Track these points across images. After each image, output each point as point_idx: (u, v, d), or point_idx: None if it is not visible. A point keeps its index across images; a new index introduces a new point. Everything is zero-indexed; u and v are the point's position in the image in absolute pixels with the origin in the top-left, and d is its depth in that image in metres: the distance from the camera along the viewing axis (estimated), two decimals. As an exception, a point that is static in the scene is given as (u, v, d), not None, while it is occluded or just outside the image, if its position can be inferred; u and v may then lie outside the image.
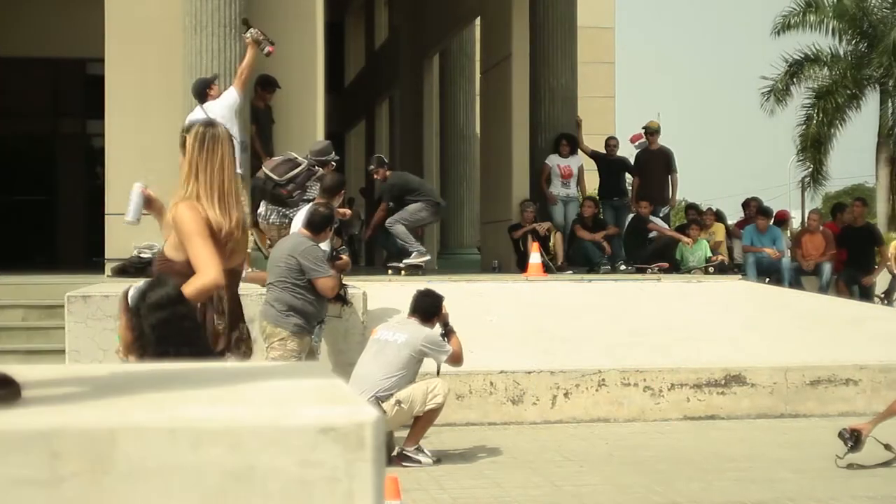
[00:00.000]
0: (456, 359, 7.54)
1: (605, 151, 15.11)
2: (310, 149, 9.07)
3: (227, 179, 4.09)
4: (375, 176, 12.00)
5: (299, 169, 8.73)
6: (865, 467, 7.09)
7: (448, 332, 7.61)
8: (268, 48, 9.62)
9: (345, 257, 8.23)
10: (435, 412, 7.39)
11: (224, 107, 9.59)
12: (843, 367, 9.61)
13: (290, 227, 8.54)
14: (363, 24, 28.21)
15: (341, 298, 8.09)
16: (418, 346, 7.34)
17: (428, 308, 7.58)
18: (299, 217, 8.24)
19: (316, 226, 7.66)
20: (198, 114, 9.73)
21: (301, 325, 7.44)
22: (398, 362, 7.31)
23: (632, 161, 15.31)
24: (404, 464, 7.24)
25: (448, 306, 7.76)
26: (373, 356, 7.44)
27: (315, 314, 7.58)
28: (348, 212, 11.04)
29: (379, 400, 7.10)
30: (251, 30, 9.67)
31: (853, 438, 7.10)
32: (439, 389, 7.32)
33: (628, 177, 15.49)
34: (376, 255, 20.21)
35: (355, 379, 7.27)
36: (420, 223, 12.00)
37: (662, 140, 14.94)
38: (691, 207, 15.90)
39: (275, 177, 8.65)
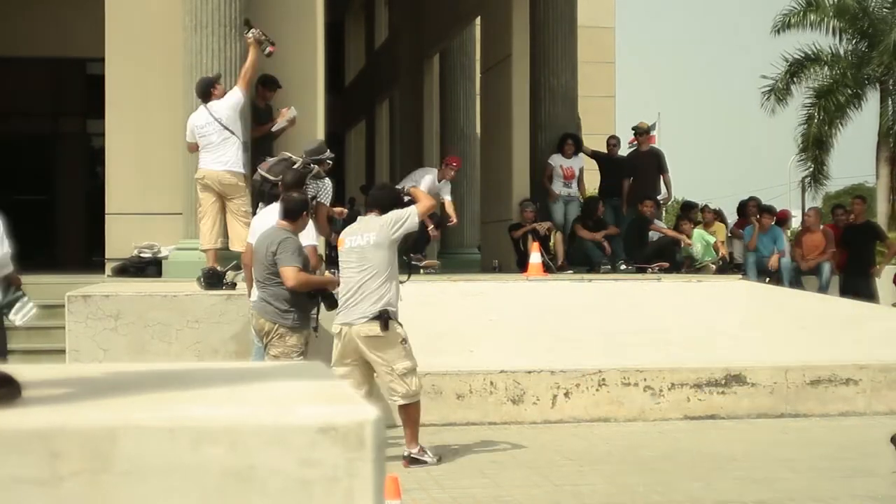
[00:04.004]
0: (425, 208, 7.64)
1: (606, 151, 15.13)
2: (304, 148, 9.05)
3: None
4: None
5: (294, 168, 8.66)
6: None
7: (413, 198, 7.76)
8: (269, 48, 9.76)
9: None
10: (412, 408, 7.37)
11: (228, 107, 9.60)
12: (843, 366, 9.61)
13: None
14: (363, 24, 28.20)
15: (327, 298, 7.68)
16: (390, 235, 7.30)
17: (385, 200, 7.58)
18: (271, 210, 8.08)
19: (291, 213, 7.43)
20: (201, 113, 9.72)
21: (298, 320, 7.40)
22: (380, 262, 7.28)
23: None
24: (412, 466, 7.22)
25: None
26: (357, 264, 7.35)
27: (309, 305, 7.50)
28: (344, 211, 11.01)
29: (387, 313, 7.17)
30: (253, 30, 9.73)
31: None
32: (397, 386, 7.27)
33: None
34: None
35: (348, 294, 7.28)
36: None
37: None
38: (688, 206, 15.86)
39: (270, 177, 8.60)
